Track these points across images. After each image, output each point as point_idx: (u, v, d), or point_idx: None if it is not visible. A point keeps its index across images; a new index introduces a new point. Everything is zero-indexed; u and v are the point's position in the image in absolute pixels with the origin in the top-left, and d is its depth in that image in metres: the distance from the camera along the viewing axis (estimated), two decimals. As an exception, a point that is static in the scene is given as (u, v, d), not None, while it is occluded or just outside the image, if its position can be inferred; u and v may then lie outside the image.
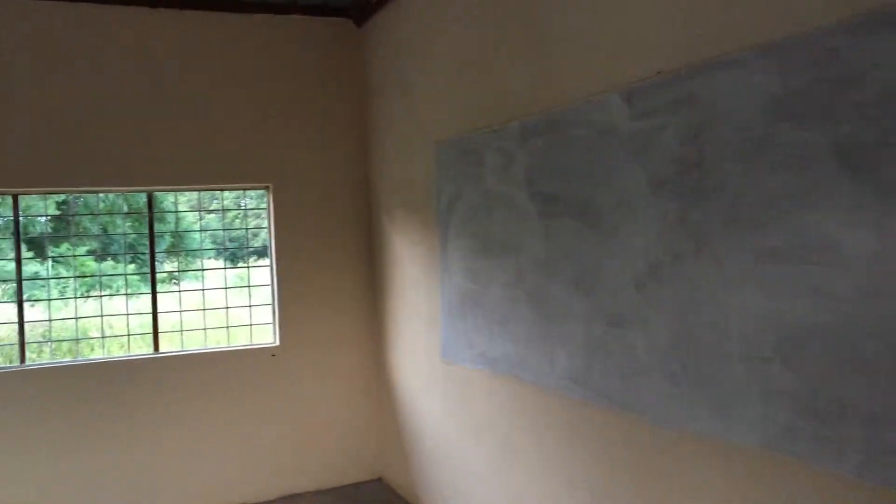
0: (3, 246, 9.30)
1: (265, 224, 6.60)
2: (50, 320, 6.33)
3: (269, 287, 6.46)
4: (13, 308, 5.91)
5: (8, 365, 5.91)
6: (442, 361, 5.42)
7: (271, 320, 6.46)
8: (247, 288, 6.61)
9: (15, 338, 5.89)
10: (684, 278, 3.17)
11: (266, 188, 6.46)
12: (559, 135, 4.00)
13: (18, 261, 5.85)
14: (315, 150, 6.51)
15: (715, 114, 2.98)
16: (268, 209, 6.49)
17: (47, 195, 6.42)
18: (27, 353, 5.91)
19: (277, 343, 6.38)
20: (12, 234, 5.93)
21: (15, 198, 5.84)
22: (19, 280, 5.85)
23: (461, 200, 5.07)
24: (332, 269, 6.54)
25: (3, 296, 8.96)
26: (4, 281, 7.27)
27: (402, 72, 5.91)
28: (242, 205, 7.15)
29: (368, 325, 6.64)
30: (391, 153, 6.20)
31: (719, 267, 2.99)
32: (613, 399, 3.65)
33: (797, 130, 2.65)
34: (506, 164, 4.53)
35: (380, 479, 6.62)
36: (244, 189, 6.53)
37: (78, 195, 6.84)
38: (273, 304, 6.43)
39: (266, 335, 6.54)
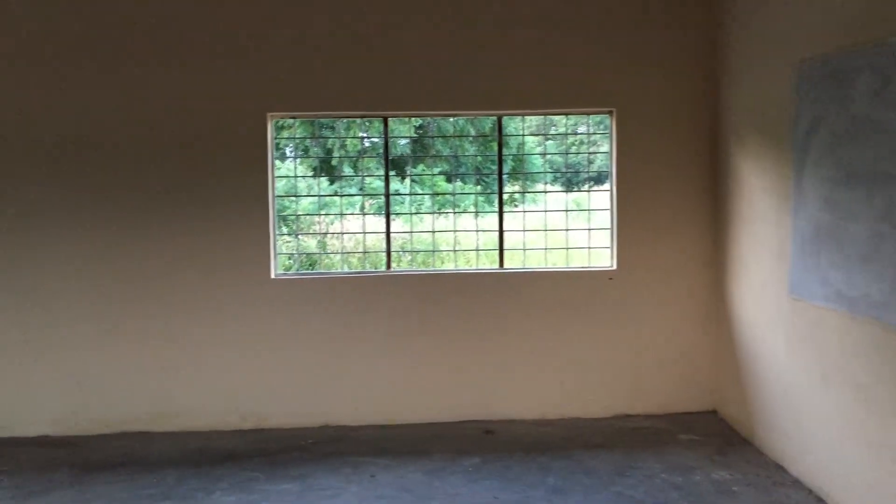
0: (371, 165, 10.45)
1: (602, 150, 6.63)
2: (411, 232, 7.04)
3: (608, 211, 6.53)
4: (380, 221, 6.65)
5: (376, 270, 6.73)
6: (789, 297, 5.13)
7: (609, 244, 6.55)
8: (585, 212, 6.74)
9: (381, 247, 6.64)
10: None
11: (609, 113, 6.48)
12: (955, 50, 3.50)
13: (387, 178, 6.53)
14: (660, 75, 6.36)
15: None
16: (610, 134, 6.51)
17: (409, 118, 7.05)
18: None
19: (615, 267, 6.47)
20: (379, 154, 6.61)
21: (385, 120, 6.51)
22: (387, 196, 6.54)
23: (822, 126, 4.68)
24: (672, 194, 6.42)
25: (369, 209, 10.04)
26: (373, 196, 8.20)
27: (763, -14, 5.51)
28: (579, 131, 7.26)
29: (708, 253, 6.46)
30: (743, 75, 5.85)
31: None
32: None
33: None
34: (881, 86, 4.08)
35: (714, 412, 6.50)
36: (588, 114, 6.61)
37: (432, 119, 7.42)
38: (612, 229, 6.50)
39: (603, 259, 6.66)
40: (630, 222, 6.42)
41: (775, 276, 5.35)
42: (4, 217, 6.14)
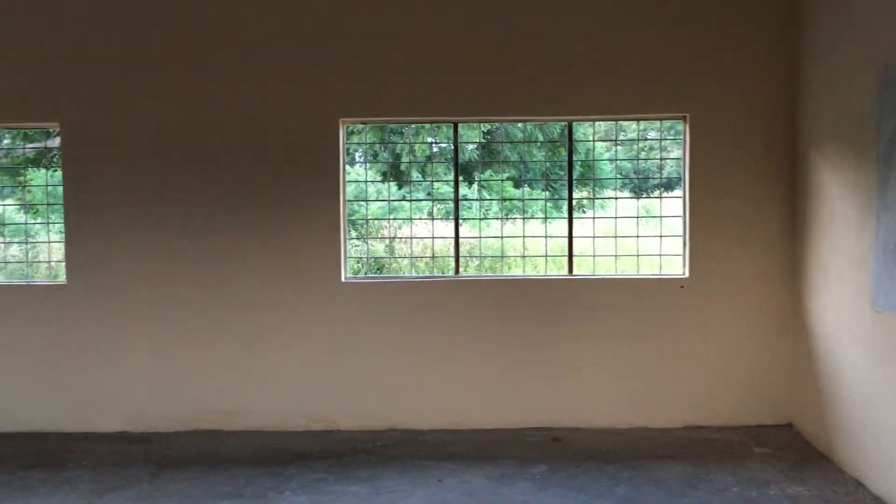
0: (439, 170, 10.50)
1: (672, 156, 6.50)
2: (479, 237, 7.05)
3: (681, 218, 6.42)
4: (449, 226, 6.67)
5: (444, 274, 6.75)
6: (872, 309, 4.95)
7: (681, 252, 6.44)
8: (656, 219, 6.65)
9: (450, 251, 6.66)
10: None
11: (682, 118, 6.37)
12: None
13: (456, 183, 6.54)
14: (736, 79, 6.22)
15: None
16: (683, 139, 6.40)
17: (478, 124, 7.06)
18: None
19: (686, 275, 6.35)
20: (448, 159, 6.63)
21: (455, 125, 6.53)
22: (456, 201, 6.55)
23: (909, 132, 4.51)
24: (747, 202, 6.26)
25: (437, 214, 10.10)
26: (441, 201, 8.23)
27: (846, -12, 5.35)
28: (650, 136, 7.15)
29: (784, 262, 6.28)
30: (824, 80, 5.68)
31: None
32: None
33: None
34: (974, 90, 3.91)
35: (789, 425, 6.32)
36: (661, 119, 6.51)
37: (500, 125, 7.42)
38: (684, 236, 6.38)
39: (674, 266, 6.54)
40: (703, 229, 6.30)
41: (856, 287, 5.18)
42: (90, 219, 6.37)
